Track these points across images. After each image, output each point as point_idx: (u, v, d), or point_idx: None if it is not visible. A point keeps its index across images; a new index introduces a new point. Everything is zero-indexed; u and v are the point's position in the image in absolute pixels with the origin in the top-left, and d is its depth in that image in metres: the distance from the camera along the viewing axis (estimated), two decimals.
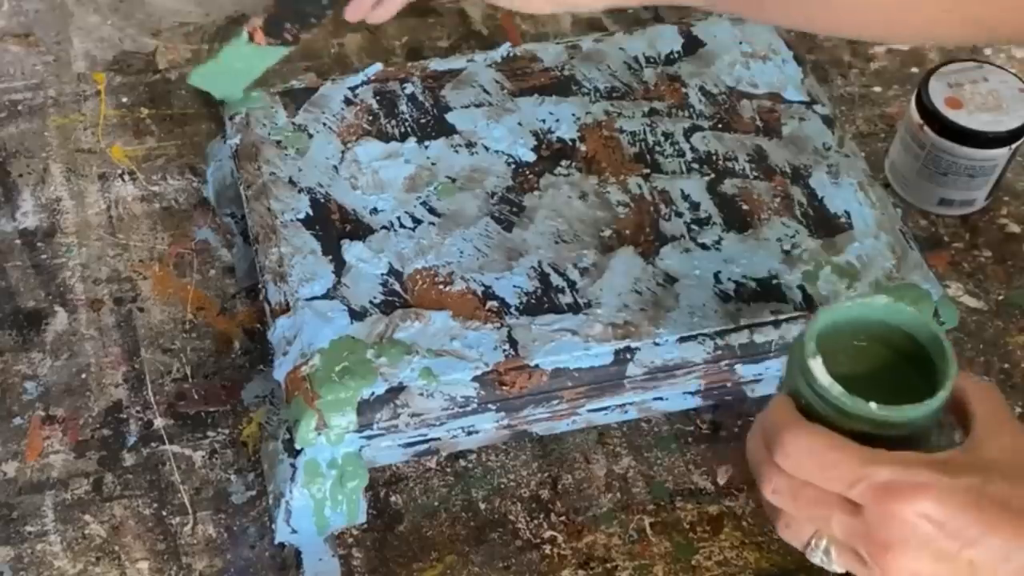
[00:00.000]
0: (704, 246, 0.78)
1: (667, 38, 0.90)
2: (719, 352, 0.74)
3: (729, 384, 0.77)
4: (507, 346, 0.73)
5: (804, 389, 0.56)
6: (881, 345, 0.59)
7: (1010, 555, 0.51)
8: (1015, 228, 0.96)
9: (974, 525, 0.51)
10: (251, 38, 0.82)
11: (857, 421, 0.54)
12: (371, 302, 0.76)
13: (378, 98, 0.86)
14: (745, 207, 0.81)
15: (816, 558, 0.56)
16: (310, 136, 0.84)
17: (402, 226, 0.79)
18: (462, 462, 0.83)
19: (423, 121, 0.85)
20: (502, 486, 0.82)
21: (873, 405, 0.54)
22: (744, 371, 0.76)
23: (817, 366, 0.55)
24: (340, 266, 0.77)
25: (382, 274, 0.77)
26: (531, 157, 0.83)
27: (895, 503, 0.51)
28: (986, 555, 0.51)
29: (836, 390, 0.54)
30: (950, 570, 0.52)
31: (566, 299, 0.76)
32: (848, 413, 0.54)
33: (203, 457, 0.83)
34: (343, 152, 0.83)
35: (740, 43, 0.90)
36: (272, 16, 0.82)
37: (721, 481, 0.83)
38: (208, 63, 0.86)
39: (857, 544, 0.53)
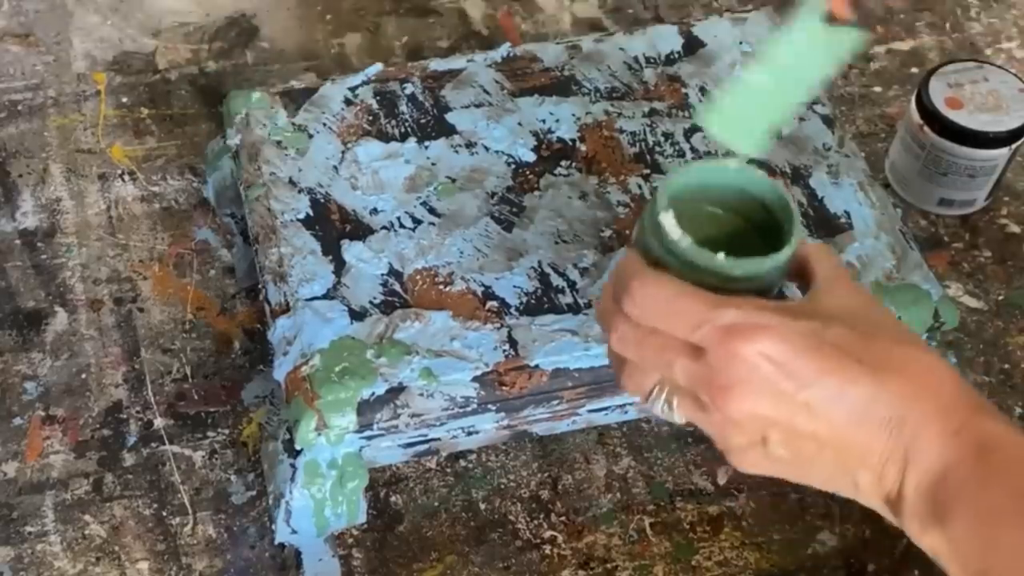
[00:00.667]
0: None
1: (667, 38, 0.90)
2: None
3: None
4: (507, 346, 0.73)
5: (654, 245, 0.56)
6: (731, 213, 0.59)
7: (844, 395, 0.52)
8: (1015, 228, 0.96)
9: (812, 366, 0.52)
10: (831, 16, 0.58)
11: (705, 274, 0.55)
12: (371, 302, 0.76)
13: (378, 98, 0.86)
14: None
15: (657, 408, 0.56)
16: (310, 136, 0.84)
17: (402, 226, 0.79)
18: (462, 462, 0.83)
19: (423, 121, 0.85)
20: (502, 486, 0.82)
21: (721, 256, 0.54)
22: None
23: (668, 220, 0.55)
24: (340, 266, 0.77)
25: (382, 274, 0.77)
26: (531, 157, 0.83)
27: (737, 343, 0.52)
28: (822, 395, 0.52)
29: (685, 242, 0.55)
30: (787, 410, 0.52)
31: (566, 299, 0.76)
32: (696, 265, 0.55)
33: (203, 457, 0.83)
34: (343, 152, 0.83)
35: (740, 43, 0.90)
36: None
37: (721, 481, 0.83)
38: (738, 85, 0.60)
39: (699, 388, 0.54)
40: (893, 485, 0.54)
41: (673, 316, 0.54)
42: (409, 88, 0.87)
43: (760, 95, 0.59)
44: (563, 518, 0.81)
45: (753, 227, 0.59)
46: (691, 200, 0.58)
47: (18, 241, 0.94)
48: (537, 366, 0.73)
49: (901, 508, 0.54)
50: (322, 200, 0.80)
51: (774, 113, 0.60)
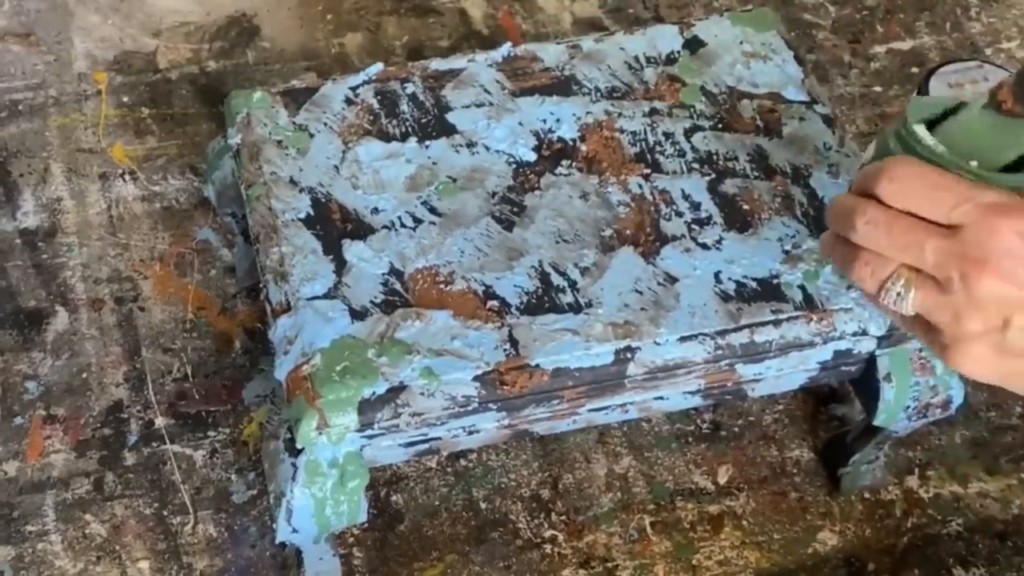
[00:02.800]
0: (704, 246, 0.78)
1: (667, 38, 0.90)
2: (719, 352, 0.74)
3: (729, 384, 0.77)
4: (508, 346, 0.73)
5: (901, 152, 0.57)
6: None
7: None
8: None
9: None
10: (1000, 106, 0.58)
11: None
12: (372, 302, 0.76)
13: (379, 98, 0.86)
14: (745, 207, 0.81)
15: (891, 297, 0.56)
16: (311, 136, 0.84)
17: (403, 226, 0.79)
18: (463, 461, 0.83)
19: (424, 121, 0.85)
20: (503, 485, 0.82)
21: (975, 163, 0.55)
22: (744, 371, 0.76)
23: (921, 129, 0.56)
24: (341, 266, 0.77)
25: (383, 273, 0.77)
26: (532, 157, 0.83)
27: (999, 219, 0.53)
28: None
29: (940, 148, 0.56)
30: None
31: (567, 299, 0.76)
32: (950, 170, 0.55)
33: (204, 456, 0.83)
34: (344, 152, 0.83)
35: (741, 43, 0.90)
36: None
37: (721, 481, 0.83)
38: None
39: (950, 265, 0.54)
40: None
41: (935, 193, 0.54)
42: (410, 88, 0.87)
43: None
44: (563, 517, 0.81)
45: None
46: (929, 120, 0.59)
47: (19, 240, 0.94)
48: (538, 365, 0.73)
49: None
50: (323, 199, 0.80)
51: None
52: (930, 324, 0.56)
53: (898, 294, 0.56)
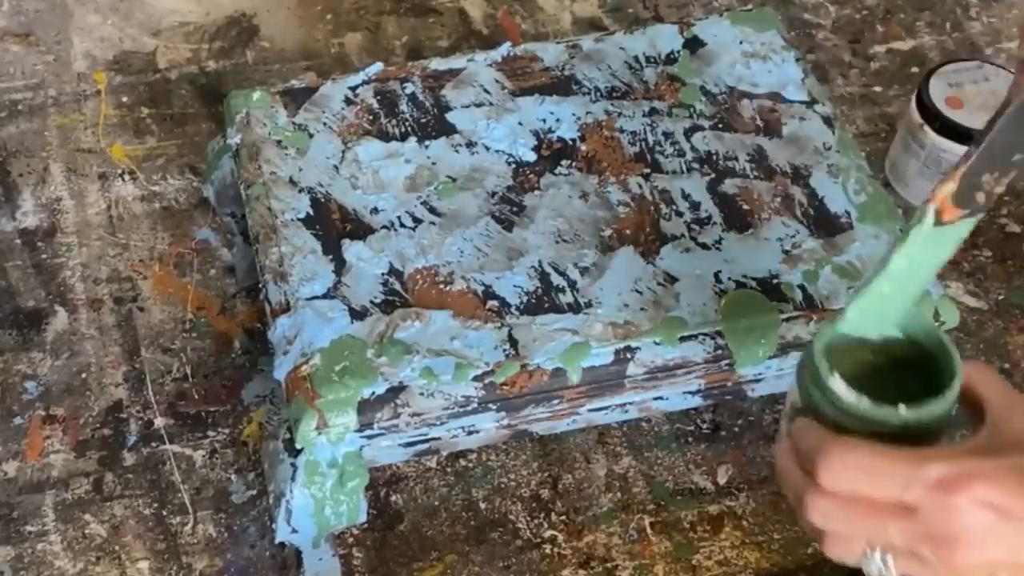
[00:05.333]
0: (704, 246, 0.78)
1: (667, 38, 0.90)
2: (719, 352, 0.74)
3: (729, 384, 0.77)
4: (507, 346, 0.73)
5: (827, 408, 0.56)
6: (879, 352, 0.60)
7: None
8: (1015, 228, 0.96)
9: None
10: (939, 218, 0.56)
11: (884, 427, 0.55)
12: (371, 302, 0.76)
13: (378, 98, 0.86)
14: (745, 207, 0.81)
15: (873, 568, 0.55)
16: (310, 136, 0.84)
17: (402, 226, 0.79)
18: (462, 462, 0.83)
19: (423, 121, 0.85)
20: (502, 486, 0.82)
21: (902, 408, 0.54)
22: (744, 371, 0.76)
23: (838, 384, 0.55)
24: (340, 265, 0.77)
25: (382, 273, 0.77)
26: (531, 157, 0.83)
27: (952, 496, 0.51)
28: None
29: (864, 404, 0.55)
30: (1015, 550, 0.52)
31: (566, 299, 0.76)
32: (874, 421, 0.55)
33: (203, 457, 0.83)
34: (343, 152, 0.83)
35: (740, 43, 0.90)
36: (974, 168, 0.56)
37: (721, 481, 0.83)
38: (870, 289, 0.59)
39: (920, 546, 0.53)
40: None
41: (877, 480, 0.53)
42: (409, 88, 0.87)
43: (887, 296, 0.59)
44: (563, 517, 0.81)
45: (888, 360, 0.59)
46: (840, 345, 0.58)
47: (18, 240, 0.94)
48: (538, 365, 0.73)
49: None
50: (322, 199, 0.80)
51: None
52: None
53: (879, 567, 0.55)
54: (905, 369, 0.59)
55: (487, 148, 0.84)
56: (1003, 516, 0.51)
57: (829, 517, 0.55)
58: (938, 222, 0.56)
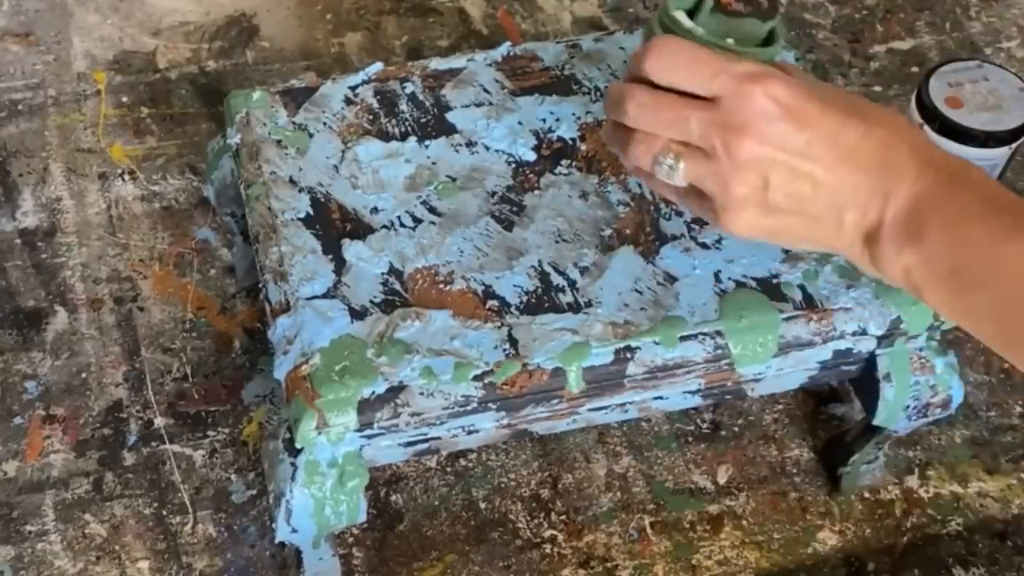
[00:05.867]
0: (704, 245, 0.78)
1: None
2: (719, 352, 0.74)
3: (729, 383, 0.77)
4: (507, 345, 0.73)
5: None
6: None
7: (838, 138, 0.58)
8: None
9: (813, 110, 0.58)
10: (722, 5, 0.65)
11: None
12: (371, 301, 0.76)
13: (378, 97, 0.86)
14: None
15: (663, 171, 0.61)
16: (310, 135, 0.84)
17: (402, 225, 0.79)
18: (462, 461, 0.83)
19: (423, 120, 0.85)
20: (502, 485, 0.82)
21: (730, 40, 0.62)
22: (744, 371, 0.76)
23: (680, 15, 0.63)
24: (340, 265, 0.77)
25: (382, 273, 0.77)
26: (531, 156, 0.83)
27: (751, 86, 0.58)
28: (820, 137, 0.58)
29: (699, 31, 0.62)
30: (790, 150, 0.58)
31: (566, 298, 0.76)
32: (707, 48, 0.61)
33: (203, 456, 0.83)
34: (343, 151, 0.83)
35: None
36: None
37: (721, 481, 0.83)
38: None
39: (713, 136, 0.59)
40: (874, 218, 0.59)
41: (694, 67, 0.59)
42: (409, 87, 0.87)
43: None
44: (563, 517, 0.81)
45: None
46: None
47: (18, 240, 0.94)
48: (537, 365, 0.73)
49: (879, 239, 0.58)
50: (322, 199, 0.80)
51: None
52: (703, 194, 0.61)
53: (669, 167, 0.61)
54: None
55: (487, 148, 0.84)
56: (789, 114, 0.58)
57: (643, 108, 0.61)
58: (720, 7, 0.65)
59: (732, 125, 0.58)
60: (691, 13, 0.64)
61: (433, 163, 0.83)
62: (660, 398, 0.77)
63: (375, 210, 0.80)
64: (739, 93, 0.58)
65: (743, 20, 0.64)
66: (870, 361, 0.78)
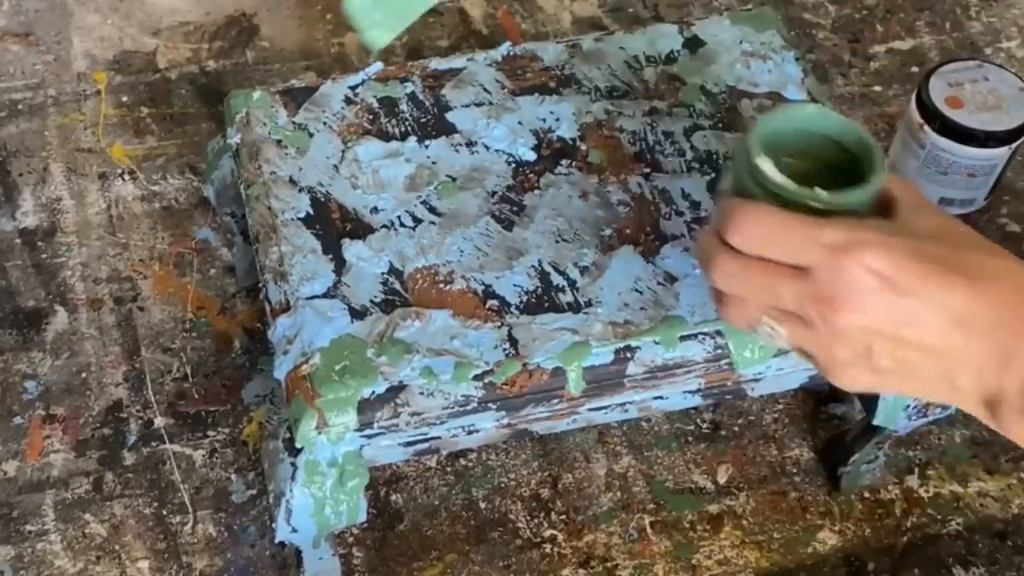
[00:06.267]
0: None
1: (667, 37, 0.90)
2: (719, 351, 0.74)
3: (729, 383, 0.77)
4: (507, 345, 0.73)
5: (751, 187, 0.59)
6: (808, 156, 0.63)
7: (946, 303, 0.55)
8: (1015, 228, 0.96)
9: (914, 276, 0.55)
10: None
11: (803, 209, 0.58)
12: (371, 301, 0.76)
13: (378, 97, 0.86)
14: None
15: (763, 335, 0.59)
16: (310, 135, 0.84)
17: (402, 225, 0.79)
18: (462, 461, 0.83)
19: (423, 120, 0.85)
20: (502, 485, 0.82)
21: (819, 190, 0.58)
22: (744, 370, 0.76)
23: (766, 164, 0.59)
24: (340, 265, 0.77)
25: (382, 273, 0.77)
26: (531, 156, 0.83)
27: (843, 258, 0.55)
28: (925, 304, 0.55)
29: (789, 184, 0.58)
30: (892, 320, 0.55)
31: (566, 298, 0.76)
32: (795, 202, 0.58)
33: (203, 456, 0.83)
34: (343, 151, 0.83)
35: (740, 42, 0.90)
36: None
37: (721, 480, 0.83)
38: None
39: (807, 306, 0.56)
40: (993, 384, 0.56)
41: (779, 239, 0.57)
42: (409, 87, 0.87)
43: None
44: (563, 517, 0.81)
45: (826, 168, 0.62)
46: (773, 144, 0.61)
47: (18, 240, 0.94)
48: (537, 365, 0.73)
49: (1001, 407, 0.56)
50: (322, 199, 0.80)
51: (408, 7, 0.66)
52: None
53: (768, 333, 0.59)
54: (834, 176, 0.61)
55: (487, 148, 0.84)
56: (887, 285, 0.55)
57: (731, 278, 0.59)
58: None
59: (826, 297, 0.56)
60: (775, 135, 0.61)
61: (433, 163, 0.83)
62: (660, 398, 0.77)
63: (375, 210, 0.80)
64: (832, 267, 0.55)
65: None
66: None
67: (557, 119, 0.85)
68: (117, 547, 0.79)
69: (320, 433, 0.72)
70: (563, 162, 0.83)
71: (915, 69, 1.06)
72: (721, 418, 0.86)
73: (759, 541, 0.80)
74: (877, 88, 1.05)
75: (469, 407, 0.73)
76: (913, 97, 0.93)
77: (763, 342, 0.60)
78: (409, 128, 0.85)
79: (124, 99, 1.03)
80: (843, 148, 0.62)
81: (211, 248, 0.93)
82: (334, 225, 0.79)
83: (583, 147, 0.84)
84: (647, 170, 0.83)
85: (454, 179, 0.82)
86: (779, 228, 0.57)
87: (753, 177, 0.59)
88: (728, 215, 0.58)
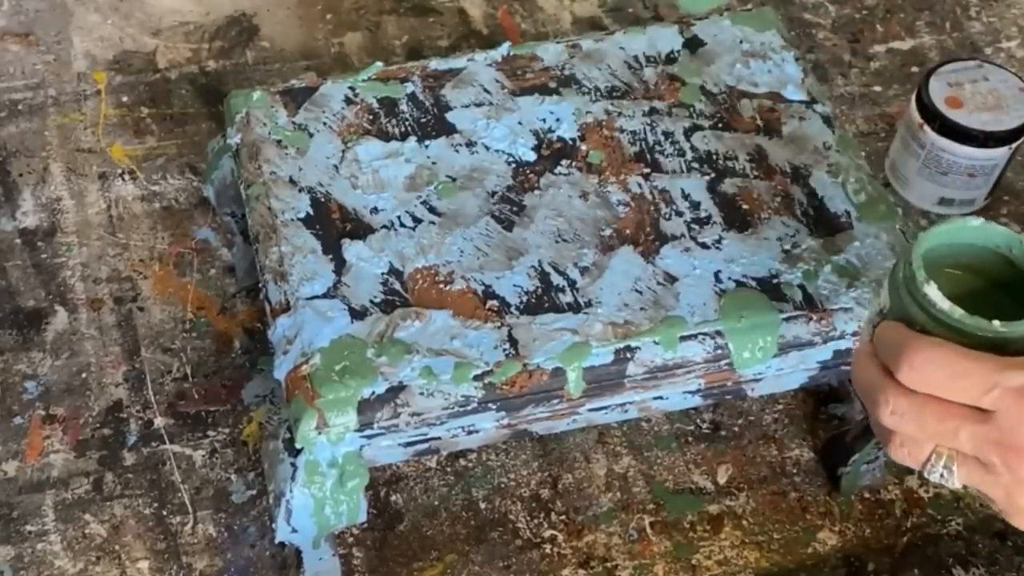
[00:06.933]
0: (704, 245, 0.78)
1: (667, 37, 0.90)
2: (719, 352, 0.74)
3: (729, 383, 0.77)
4: (507, 345, 0.73)
5: (918, 315, 0.55)
6: (971, 272, 0.59)
7: None
8: (1015, 228, 0.96)
9: None
10: None
11: (974, 340, 0.54)
12: (371, 301, 0.76)
13: (378, 97, 0.86)
14: (745, 206, 0.81)
15: (935, 475, 0.55)
16: (310, 135, 0.84)
17: (402, 225, 0.79)
18: (462, 461, 0.83)
19: (423, 120, 0.85)
20: (502, 485, 0.82)
21: (996, 323, 0.53)
22: (744, 371, 0.76)
23: (933, 291, 0.54)
24: (340, 265, 0.77)
25: (382, 273, 0.77)
26: (531, 156, 0.83)
27: None
28: None
29: (957, 312, 0.54)
30: None
31: (566, 298, 0.76)
32: (966, 332, 0.54)
33: (203, 456, 0.83)
34: (343, 151, 0.83)
35: (740, 42, 0.90)
36: None
37: (721, 480, 0.83)
38: None
39: (989, 452, 0.52)
40: None
41: (959, 380, 0.52)
42: (409, 87, 0.87)
43: None
44: (563, 517, 0.81)
45: (988, 280, 0.59)
46: (934, 258, 0.58)
47: (18, 240, 0.94)
48: (537, 365, 0.73)
49: None
50: (322, 199, 0.80)
51: None
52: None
53: (941, 475, 0.55)
54: (1000, 292, 0.58)
55: (487, 148, 0.84)
56: None
57: (903, 417, 0.54)
58: None
59: (1012, 445, 0.52)
60: (944, 254, 0.58)
61: (433, 163, 0.83)
62: (660, 398, 0.77)
63: (375, 210, 0.80)
64: (1017, 413, 0.51)
65: None
66: None
67: (557, 119, 0.85)
68: (117, 547, 0.79)
69: (320, 433, 0.72)
70: (563, 162, 0.83)
71: (915, 69, 1.06)
72: (721, 418, 0.86)
73: (759, 541, 0.80)
74: (877, 88, 1.05)
75: (469, 407, 0.73)
76: (913, 97, 0.93)
77: (935, 481, 0.56)
78: (409, 128, 0.85)
79: (124, 99, 1.03)
80: (1009, 262, 0.58)
81: (211, 248, 0.93)
82: (334, 225, 0.79)
83: (583, 147, 0.84)
84: (647, 170, 0.83)
85: (454, 179, 0.82)
86: (958, 367, 0.52)
87: (917, 302, 0.55)
88: (900, 351, 0.54)
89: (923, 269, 0.55)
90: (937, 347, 0.53)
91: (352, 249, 0.78)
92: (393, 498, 0.81)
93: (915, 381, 0.53)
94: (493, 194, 0.81)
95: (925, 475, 0.56)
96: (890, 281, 0.58)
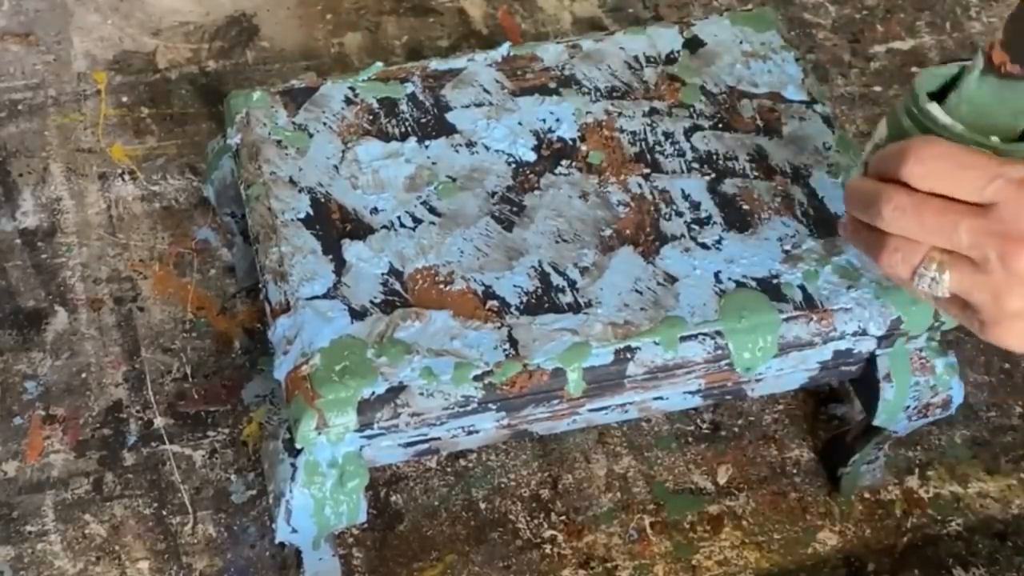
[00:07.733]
0: (704, 246, 0.78)
1: (667, 37, 0.90)
2: (719, 352, 0.74)
3: (729, 383, 0.77)
4: (507, 345, 0.73)
5: (916, 133, 0.56)
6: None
7: None
8: None
9: None
10: (995, 67, 0.57)
11: None
12: (371, 301, 0.76)
13: (378, 97, 0.86)
14: (745, 207, 0.81)
15: (925, 281, 0.55)
16: (310, 135, 0.84)
17: (402, 225, 0.79)
18: (462, 462, 0.83)
19: (423, 121, 0.85)
20: (502, 486, 0.82)
21: (995, 139, 0.55)
22: (744, 371, 0.76)
23: (935, 108, 0.55)
24: (340, 265, 0.77)
25: (382, 273, 0.77)
26: (531, 156, 0.83)
27: None
28: None
29: (958, 127, 0.55)
30: None
31: (566, 298, 0.76)
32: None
33: (203, 457, 0.83)
34: (343, 151, 0.83)
35: (740, 43, 0.90)
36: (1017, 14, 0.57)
37: (721, 481, 0.83)
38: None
39: (986, 245, 0.53)
40: None
41: (963, 172, 0.53)
42: (409, 87, 0.87)
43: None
44: (563, 517, 0.81)
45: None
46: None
47: (18, 240, 0.94)
48: (538, 365, 0.73)
49: None
50: (322, 199, 0.80)
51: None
52: (966, 303, 0.55)
53: (932, 279, 0.55)
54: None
55: (487, 148, 0.84)
56: None
57: (903, 213, 0.55)
58: (992, 69, 0.56)
59: (1011, 235, 0.52)
60: (944, 90, 0.58)
61: (433, 163, 0.83)
62: (660, 398, 0.77)
63: (375, 210, 0.80)
64: (1020, 201, 0.52)
65: (1003, 102, 0.56)
66: (870, 361, 0.78)
67: (557, 119, 0.85)
68: (117, 547, 0.79)
69: (320, 434, 0.72)
70: (563, 162, 0.83)
71: (915, 69, 1.06)
72: (721, 418, 0.86)
73: (759, 542, 0.80)
74: (877, 88, 1.05)
75: (469, 408, 0.73)
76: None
77: (920, 293, 0.56)
78: (409, 128, 0.85)
79: (124, 99, 1.03)
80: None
81: (211, 248, 0.93)
82: (334, 225, 0.79)
83: (583, 147, 0.84)
84: (647, 170, 0.83)
85: (454, 179, 0.82)
86: (964, 162, 0.53)
87: (919, 123, 0.56)
88: (908, 149, 0.54)
89: (925, 92, 0.56)
90: (942, 144, 0.54)
91: (352, 249, 0.78)
92: (393, 498, 0.81)
93: (920, 174, 0.54)
94: (493, 194, 0.81)
95: (914, 284, 0.56)
96: (889, 117, 0.59)
